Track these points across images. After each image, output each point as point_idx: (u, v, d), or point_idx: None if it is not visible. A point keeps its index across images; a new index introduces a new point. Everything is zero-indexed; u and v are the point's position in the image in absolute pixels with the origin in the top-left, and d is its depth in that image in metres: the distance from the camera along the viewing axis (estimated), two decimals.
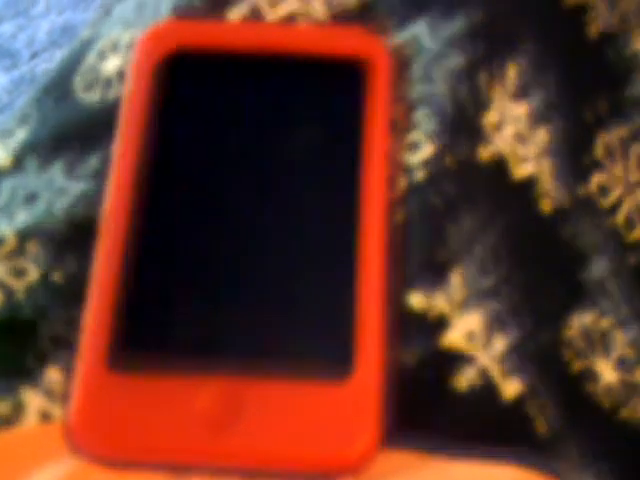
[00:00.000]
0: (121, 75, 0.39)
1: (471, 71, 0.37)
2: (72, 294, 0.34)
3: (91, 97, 0.39)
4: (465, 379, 0.32)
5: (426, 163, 0.35)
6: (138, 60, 0.36)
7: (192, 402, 0.31)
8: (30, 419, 0.31)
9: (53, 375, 0.32)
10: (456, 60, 0.37)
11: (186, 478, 0.30)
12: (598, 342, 0.36)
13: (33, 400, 0.31)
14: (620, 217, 0.40)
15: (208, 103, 0.36)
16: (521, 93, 0.39)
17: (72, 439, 0.30)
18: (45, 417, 0.31)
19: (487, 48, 0.38)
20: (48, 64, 1.32)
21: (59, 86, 0.40)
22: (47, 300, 0.33)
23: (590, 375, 0.36)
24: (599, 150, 0.41)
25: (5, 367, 0.32)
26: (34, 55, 1.33)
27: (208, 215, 0.34)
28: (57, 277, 0.34)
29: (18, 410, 0.31)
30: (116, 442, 0.30)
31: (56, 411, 0.31)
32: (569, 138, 0.40)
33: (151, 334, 0.32)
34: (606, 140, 0.41)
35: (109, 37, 0.40)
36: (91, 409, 0.30)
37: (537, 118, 0.39)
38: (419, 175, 0.35)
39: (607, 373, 0.36)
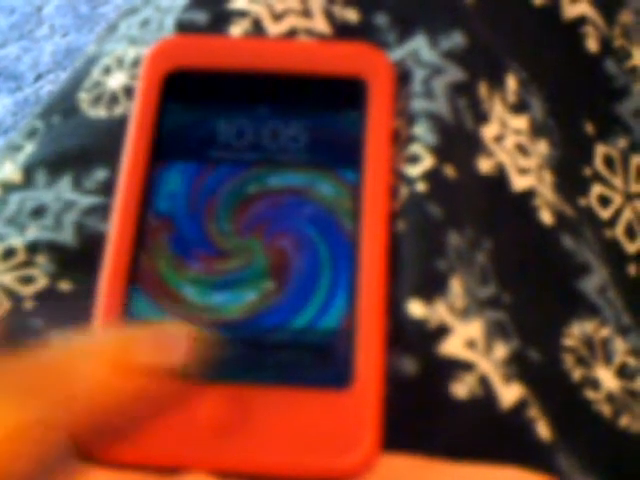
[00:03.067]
0: (127, 90, 0.39)
1: (471, 83, 0.38)
2: (79, 303, 0.34)
3: (97, 112, 0.40)
4: (465, 386, 0.32)
5: (427, 175, 0.35)
6: (145, 75, 0.37)
7: (197, 407, 0.31)
8: None
9: None
10: (455, 73, 0.38)
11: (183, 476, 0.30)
12: (599, 350, 0.37)
13: None
14: (620, 228, 0.41)
15: (212, 116, 0.37)
16: (521, 105, 0.39)
17: (77, 443, 0.30)
18: None
19: (486, 60, 0.39)
20: (52, 86, 1.33)
21: (65, 101, 0.41)
22: (55, 307, 0.34)
23: (591, 382, 0.36)
24: (599, 162, 0.41)
25: None
26: (38, 77, 1.33)
27: (212, 225, 0.34)
28: (65, 286, 0.34)
29: None
30: (121, 445, 0.30)
31: None
32: (569, 150, 0.41)
33: None
34: (606, 152, 0.41)
35: (114, 53, 0.41)
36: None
37: (537, 130, 0.39)
38: (420, 187, 0.35)
39: (608, 380, 0.36)
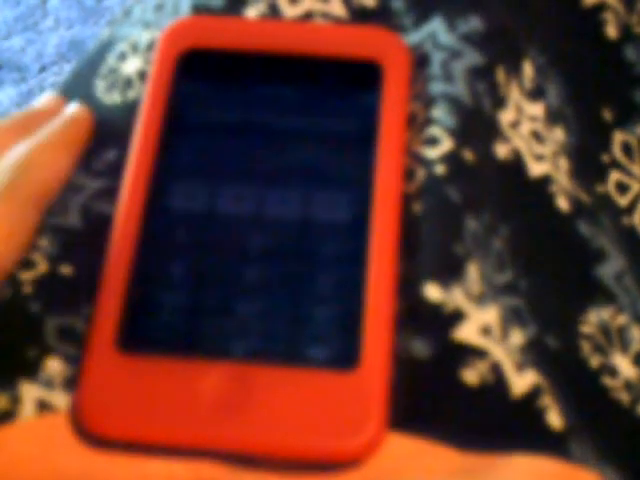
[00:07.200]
0: (141, 74, 0.39)
1: (489, 68, 0.38)
2: (80, 286, 0.34)
3: (112, 98, 0.39)
4: (475, 373, 0.32)
5: (445, 157, 0.35)
6: (159, 54, 0.37)
7: (201, 386, 0.31)
8: (27, 409, 0.31)
9: (54, 365, 0.31)
10: (474, 57, 0.37)
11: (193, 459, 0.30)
12: (616, 337, 0.36)
13: (30, 390, 0.31)
14: (638, 216, 0.40)
15: (226, 97, 0.36)
16: (537, 91, 0.39)
17: (81, 421, 0.30)
18: (42, 406, 0.31)
19: (504, 45, 0.39)
20: (57, 78, 1.33)
21: (81, 87, 0.41)
22: (55, 292, 0.33)
23: (609, 370, 0.36)
24: (617, 149, 0.41)
25: (7, 361, 0.32)
26: (43, 69, 1.33)
27: (220, 209, 0.34)
28: (66, 270, 0.34)
29: (16, 403, 0.31)
30: (124, 423, 0.30)
31: (54, 399, 0.31)
32: (586, 137, 0.40)
33: (161, 317, 0.32)
34: (624, 139, 0.41)
35: (129, 38, 0.41)
36: (100, 391, 0.30)
37: (553, 117, 0.39)
38: (439, 169, 0.35)
39: (625, 368, 0.36)
